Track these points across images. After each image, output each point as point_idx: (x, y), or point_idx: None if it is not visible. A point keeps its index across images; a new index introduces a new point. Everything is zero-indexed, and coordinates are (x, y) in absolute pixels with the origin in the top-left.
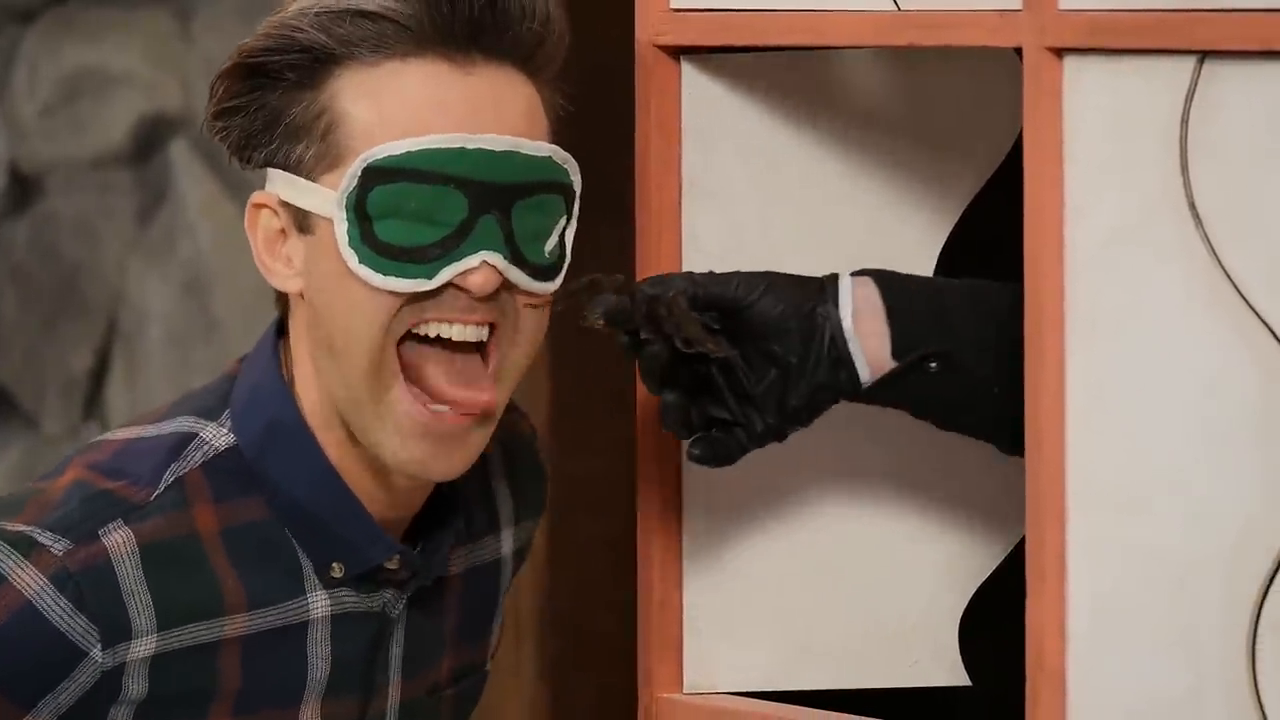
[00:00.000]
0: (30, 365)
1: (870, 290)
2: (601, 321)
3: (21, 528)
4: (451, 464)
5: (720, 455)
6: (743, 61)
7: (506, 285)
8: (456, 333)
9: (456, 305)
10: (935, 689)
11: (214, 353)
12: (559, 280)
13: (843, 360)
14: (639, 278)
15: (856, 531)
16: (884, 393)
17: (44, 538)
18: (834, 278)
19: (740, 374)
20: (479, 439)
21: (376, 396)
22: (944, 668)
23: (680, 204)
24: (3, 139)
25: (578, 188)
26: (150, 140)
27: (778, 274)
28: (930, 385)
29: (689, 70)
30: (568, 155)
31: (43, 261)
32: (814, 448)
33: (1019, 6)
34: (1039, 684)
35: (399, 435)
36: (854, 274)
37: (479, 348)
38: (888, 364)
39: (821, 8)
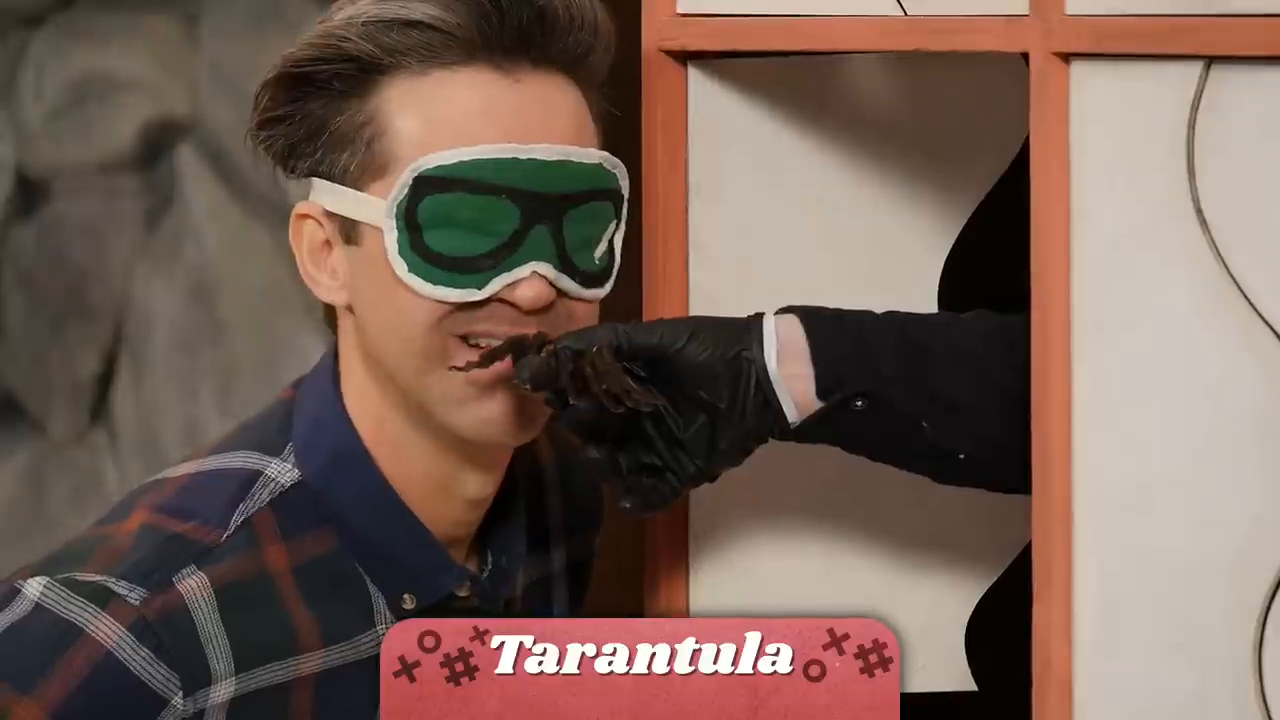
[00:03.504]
0: (37, 369)
1: (795, 330)
2: (528, 386)
3: (95, 578)
4: (523, 423)
5: (652, 504)
6: (749, 66)
7: (559, 293)
8: None
9: (505, 318)
10: (942, 694)
11: (220, 357)
12: (609, 284)
13: (770, 403)
14: (645, 281)
15: (862, 536)
16: (813, 432)
17: (120, 587)
18: (759, 318)
19: (669, 420)
20: (542, 406)
21: (438, 377)
22: (950, 673)
23: (686, 209)
24: (10, 143)
25: (626, 192)
26: (157, 145)
27: (702, 319)
28: (858, 423)
29: (695, 75)
30: (617, 161)
31: (49, 266)
32: (819, 453)
33: (1026, 12)
34: (1046, 688)
35: (475, 394)
36: (778, 312)
37: None
38: (814, 404)
39: (828, 13)
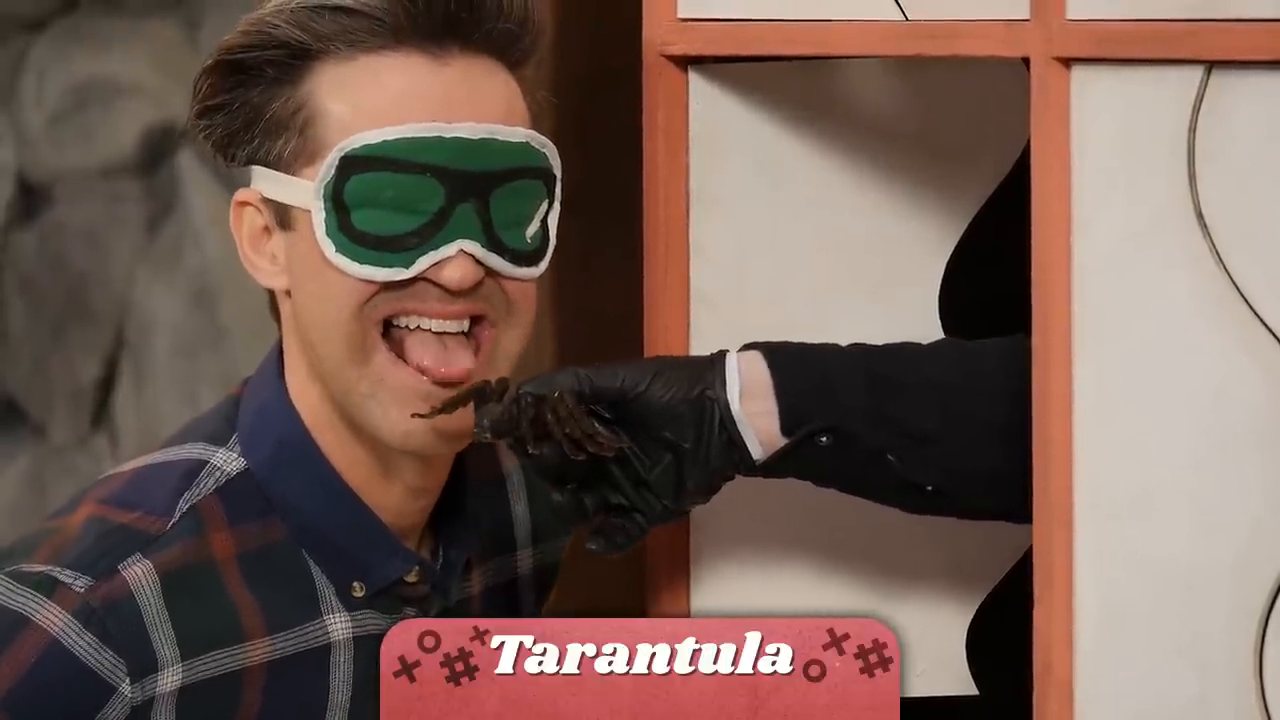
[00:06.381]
0: (38, 374)
1: (758, 367)
2: (489, 435)
3: (41, 568)
4: (447, 437)
5: (619, 544)
6: (750, 71)
7: (490, 273)
8: (436, 326)
9: (433, 297)
10: (942, 699)
11: (222, 362)
12: (543, 264)
13: (735, 441)
14: (645, 285)
15: (863, 539)
16: (779, 468)
17: (64, 576)
18: (721, 356)
19: (635, 461)
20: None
21: (362, 374)
22: (952, 677)
23: (687, 213)
24: (11, 148)
25: (558, 172)
26: (158, 150)
27: (665, 359)
28: (823, 458)
29: (696, 80)
30: (546, 140)
31: (51, 271)
32: None
33: (1026, 16)
34: (1047, 692)
35: (397, 407)
36: (742, 349)
37: (467, 332)
38: (779, 441)
39: (829, 17)
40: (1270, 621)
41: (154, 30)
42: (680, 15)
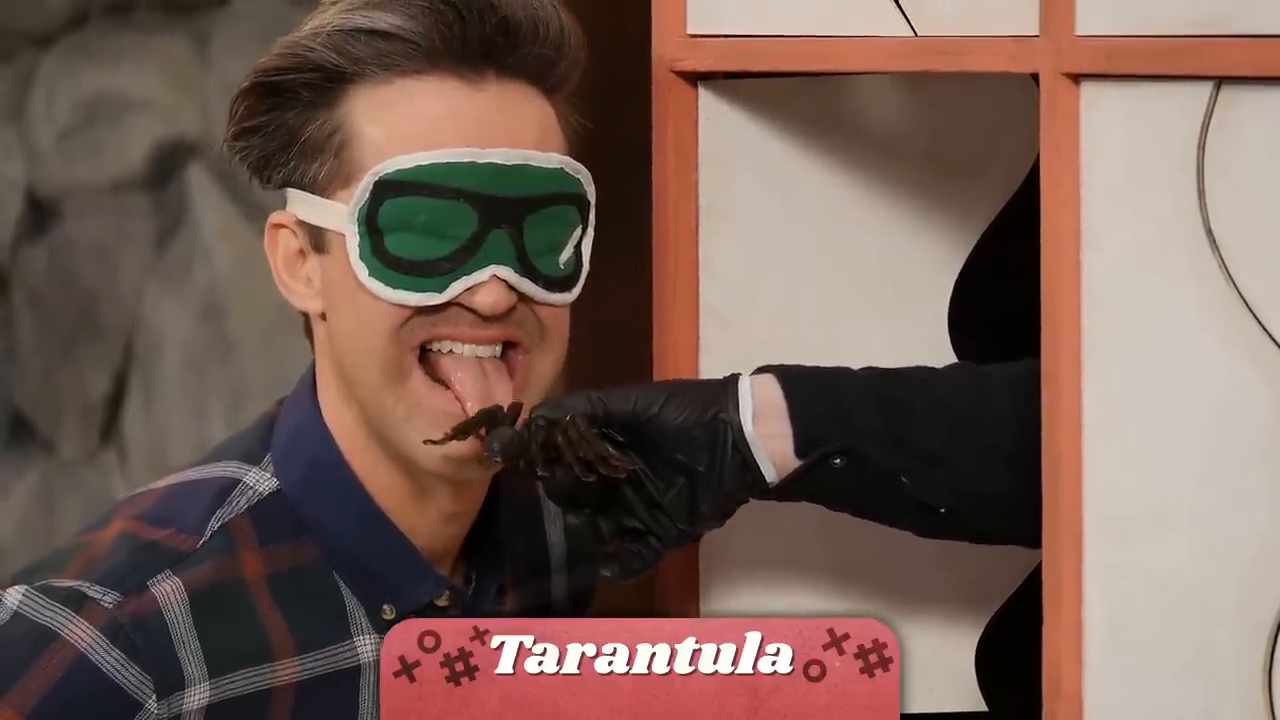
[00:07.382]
0: (48, 389)
1: (772, 389)
2: (499, 459)
3: (70, 583)
4: (483, 460)
5: (633, 570)
6: (760, 87)
7: (523, 298)
8: (469, 351)
9: (466, 322)
10: (952, 715)
11: (231, 376)
12: (577, 290)
13: (748, 464)
14: (655, 301)
15: (872, 555)
16: (792, 490)
17: (93, 591)
18: (735, 379)
19: (648, 484)
20: None
21: (398, 398)
22: (961, 694)
23: (697, 228)
24: (20, 163)
25: (592, 198)
26: (168, 165)
27: (677, 382)
28: (837, 480)
29: (706, 95)
30: (580, 166)
31: (60, 286)
32: None
33: (1036, 32)
34: (1056, 709)
35: (433, 432)
36: (755, 372)
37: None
38: (793, 463)
39: (838, 34)
40: (1279, 637)
41: (163, 45)
42: (690, 31)
